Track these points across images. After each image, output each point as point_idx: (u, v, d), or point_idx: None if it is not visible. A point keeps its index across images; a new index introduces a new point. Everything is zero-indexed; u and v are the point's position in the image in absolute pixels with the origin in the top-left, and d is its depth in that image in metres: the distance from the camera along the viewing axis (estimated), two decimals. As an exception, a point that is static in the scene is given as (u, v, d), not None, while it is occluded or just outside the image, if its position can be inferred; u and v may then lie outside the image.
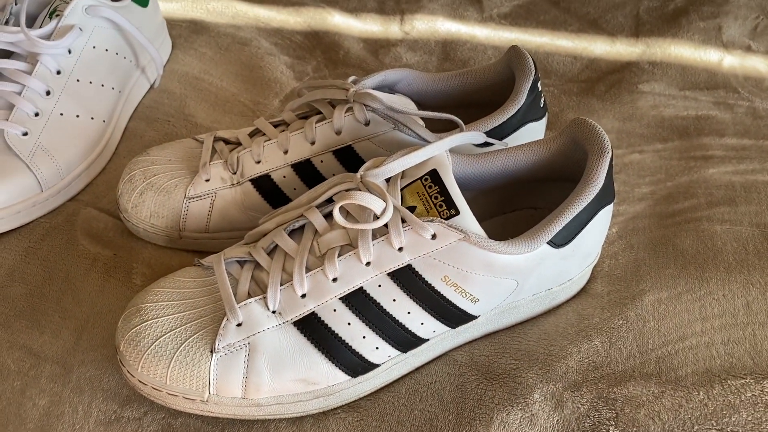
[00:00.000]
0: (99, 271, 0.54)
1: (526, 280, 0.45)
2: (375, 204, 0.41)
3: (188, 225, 0.53)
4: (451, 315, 0.45)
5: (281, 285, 0.43)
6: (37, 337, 0.50)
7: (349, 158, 0.52)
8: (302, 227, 0.46)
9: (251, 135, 0.55)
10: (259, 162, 0.52)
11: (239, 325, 0.43)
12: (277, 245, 0.45)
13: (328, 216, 0.45)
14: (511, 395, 0.46)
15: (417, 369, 0.48)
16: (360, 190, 0.43)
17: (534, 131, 0.54)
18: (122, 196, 0.54)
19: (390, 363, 0.46)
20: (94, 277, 0.53)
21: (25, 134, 0.57)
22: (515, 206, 0.53)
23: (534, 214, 0.53)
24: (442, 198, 0.43)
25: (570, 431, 0.44)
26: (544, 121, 0.56)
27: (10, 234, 0.56)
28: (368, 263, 0.43)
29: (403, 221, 0.42)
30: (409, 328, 0.44)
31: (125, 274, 0.54)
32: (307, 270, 0.43)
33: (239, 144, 0.55)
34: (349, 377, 0.45)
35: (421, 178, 0.44)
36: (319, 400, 0.45)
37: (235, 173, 0.53)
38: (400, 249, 0.42)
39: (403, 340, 0.45)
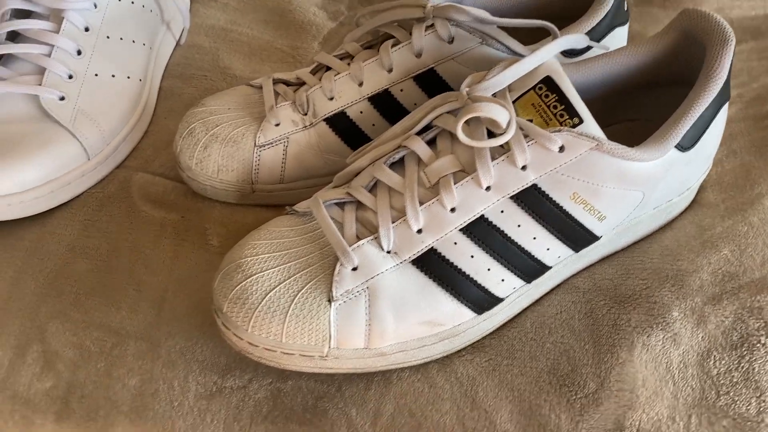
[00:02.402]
0: (169, 236, 0.49)
1: (653, 190, 0.42)
2: (502, 115, 0.37)
3: (261, 176, 0.49)
4: (578, 236, 0.41)
5: (393, 222, 0.39)
6: (114, 313, 0.45)
7: (432, 83, 0.47)
8: (401, 160, 0.41)
9: (314, 72, 0.50)
10: (332, 99, 0.48)
11: (354, 269, 0.39)
12: (377, 181, 0.41)
13: (431, 143, 0.41)
14: (647, 316, 0.42)
15: (537, 301, 0.44)
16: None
17: (621, 37, 0.50)
18: (182, 152, 0.49)
19: (514, 296, 0.42)
20: (166, 244, 0.49)
21: (62, 99, 0.51)
22: (613, 119, 0.49)
23: (633, 127, 0.49)
24: (562, 107, 0.39)
25: (718, 347, 0.41)
26: (627, 27, 0.51)
27: (61, 209, 0.51)
28: (488, 187, 0.38)
29: (525, 136, 0.38)
30: (535, 255, 0.40)
31: (199, 237, 0.49)
32: (420, 203, 0.39)
33: (302, 84, 0.50)
34: (475, 314, 0.41)
35: (534, 88, 0.39)
36: (444, 342, 0.41)
37: (306, 114, 0.48)
38: (524, 168, 0.38)
39: (529, 269, 0.41)
